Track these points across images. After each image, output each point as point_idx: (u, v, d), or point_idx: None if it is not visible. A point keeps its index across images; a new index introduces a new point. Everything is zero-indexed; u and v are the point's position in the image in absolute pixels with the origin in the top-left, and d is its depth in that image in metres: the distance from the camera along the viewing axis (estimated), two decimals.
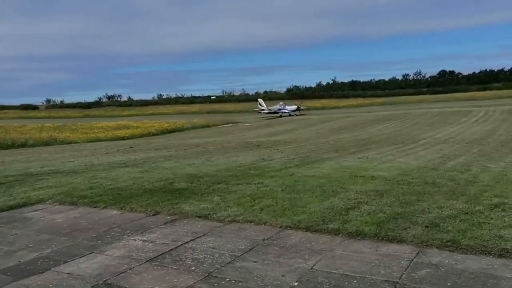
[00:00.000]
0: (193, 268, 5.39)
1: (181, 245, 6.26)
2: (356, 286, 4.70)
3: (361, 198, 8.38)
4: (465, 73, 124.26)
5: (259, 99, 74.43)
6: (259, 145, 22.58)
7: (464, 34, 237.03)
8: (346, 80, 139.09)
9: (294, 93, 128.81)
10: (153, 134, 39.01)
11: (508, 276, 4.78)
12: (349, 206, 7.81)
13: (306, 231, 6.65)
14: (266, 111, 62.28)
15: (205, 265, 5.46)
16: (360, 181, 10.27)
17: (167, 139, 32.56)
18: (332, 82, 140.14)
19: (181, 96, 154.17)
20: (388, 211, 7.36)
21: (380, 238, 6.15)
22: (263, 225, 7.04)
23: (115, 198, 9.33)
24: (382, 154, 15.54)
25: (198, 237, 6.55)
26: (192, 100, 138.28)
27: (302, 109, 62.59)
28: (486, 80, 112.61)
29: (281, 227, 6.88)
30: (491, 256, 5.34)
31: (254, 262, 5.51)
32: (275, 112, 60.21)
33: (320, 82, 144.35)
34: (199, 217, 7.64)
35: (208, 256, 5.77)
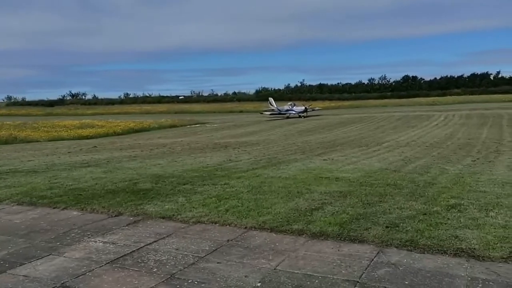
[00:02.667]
0: (155, 270, 5.31)
1: (143, 246, 6.15)
2: (317, 286, 4.77)
3: (325, 199, 8.52)
4: (427, 78, 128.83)
5: (269, 98, 65.54)
6: (227, 146, 22.51)
7: (427, 42, 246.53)
8: (314, 83, 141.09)
9: (263, 95, 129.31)
10: (119, 134, 38.11)
11: (462, 274, 4.98)
12: (313, 207, 7.93)
13: (270, 231, 6.70)
14: (276, 112, 55.57)
15: (167, 266, 5.39)
16: (325, 182, 10.44)
17: (133, 139, 31.90)
18: (300, 84, 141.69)
19: (148, 95, 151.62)
20: (351, 212, 7.52)
21: (342, 238, 6.27)
22: (228, 226, 7.03)
23: (76, 198, 9.06)
24: (346, 156, 15.86)
25: (161, 239, 6.45)
26: (160, 99, 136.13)
27: (314, 110, 57.23)
28: (446, 86, 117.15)
29: (246, 228, 6.89)
30: (447, 256, 5.55)
31: (218, 263, 5.49)
32: (282, 113, 53.94)
33: (289, 84, 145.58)
34: (163, 218, 7.54)
35: (171, 257, 5.69)
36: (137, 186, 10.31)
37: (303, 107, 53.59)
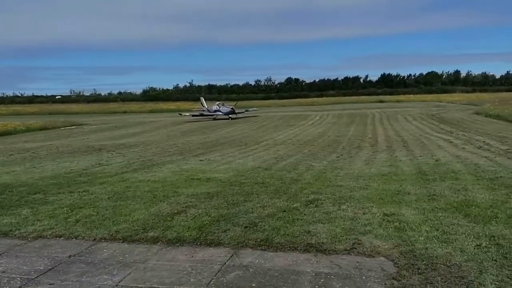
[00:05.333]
0: None
1: None
2: None
3: (190, 202, 8.22)
4: (308, 81, 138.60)
5: (201, 98, 59.06)
6: (101, 148, 20.90)
7: (308, 47, 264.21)
8: (203, 84, 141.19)
9: (150, 95, 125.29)
10: None
11: (308, 270, 5.06)
12: (176, 211, 7.55)
13: (122, 242, 6.14)
14: (204, 113, 48.73)
15: None
16: (195, 183, 10.15)
17: None
18: (189, 85, 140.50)
19: (19, 95, 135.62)
20: (213, 214, 7.32)
21: (199, 243, 6.02)
22: (74, 239, 6.28)
23: None
24: (224, 156, 15.83)
25: None
26: (32, 99, 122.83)
27: (248, 111, 50.70)
28: (324, 87, 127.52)
29: (94, 239, 6.22)
30: (297, 252, 5.64)
31: (50, 284, 4.78)
32: (208, 115, 47.72)
33: (178, 84, 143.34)
34: None
35: None
36: None
37: (230, 108, 47.05)
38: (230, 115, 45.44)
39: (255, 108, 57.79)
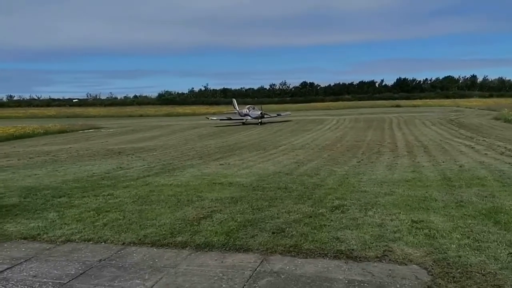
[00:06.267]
0: None
1: None
2: None
3: (215, 207, 8.21)
4: (322, 85, 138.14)
5: (233, 100, 56.03)
6: (121, 152, 21.12)
7: (323, 51, 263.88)
8: (218, 88, 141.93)
9: (166, 99, 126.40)
10: None
11: (340, 277, 5.00)
12: (201, 216, 7.55)
13: (151, 246, 6.16)
14: (235, 117, 45.86)
15: None
16: (218, 188, 10.16)
17: (12, 146, 28.38)
18: (204, 89, 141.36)
19: (36, 98, 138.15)
20: (239, 219, 7.30)
21: (227, 248, 5.99)
22: (103, 243, 6.32)
23: None
24: (243, 160, 15.82)
25: (17, 264, 5.52)
26: (49, 102, 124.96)
27: (279, 115, 47.96)
28: (339, 91, 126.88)
29: (123, 244, 6.25)
30: (327, 259, 5.57)
31: None
32: (238, 119, 44.91)
33: (193, 88, 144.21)
34: (25, 238, 6.54)
35: (26, 287, 4.84)
36: (0, 201, 8.92)
37: (259, 112, 43.42)
38: (260, 120, 42.56)
39: (288, 112, 54.17)
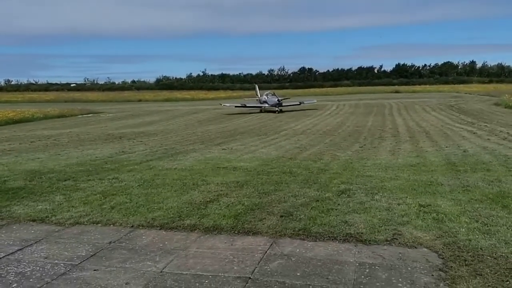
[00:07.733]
0: (15, 285, 4.45)
1: (3, 257, 5.18)
2: (207, 287, 4.39)
3: (221, 190, 8.21)
4: (321, 70, 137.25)
5: (255, 85, 51.45)
6: (122, 136, 21.04)
7: (321, 36, 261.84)
8: (216, 73, 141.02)
9: (164, 84, 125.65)
10: None
11: (351, 260, 5.01)
12: (208, 199, 7.55)
13: (160, 229, 6.16)
14: (249, 104, 42.06)
15: (31, 280, 4.56)
16: (222, 172, 10.14)
17: (12, 130, 28.24)
18: (202, 74, 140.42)
19: (34, 82, 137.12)
20: (246, 203, 7.30)
21: (236, 232, 6.00)
22: (111, 225, 6.32)
23: None
24: (245, 145, 15.79)
25: (28, 246, 5.52)
26: (47, 87, 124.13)
27: (302, 103, 42.54)
28: (338, 77, 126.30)
29: (132, 226, 6.25)
30: (337, 242, 5.58)
31: (95, 270, 4.81)
32: (255, 106, 41.19)
33: (191, 73, 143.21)
34: (34, 221, 6.53)
35: (38, 268, 4.85)
36: (6, 184, 8.91)
37: (276, 99, 39.70)
38: (278, 108, 38.44)
39: (312, 100, 47.62)
